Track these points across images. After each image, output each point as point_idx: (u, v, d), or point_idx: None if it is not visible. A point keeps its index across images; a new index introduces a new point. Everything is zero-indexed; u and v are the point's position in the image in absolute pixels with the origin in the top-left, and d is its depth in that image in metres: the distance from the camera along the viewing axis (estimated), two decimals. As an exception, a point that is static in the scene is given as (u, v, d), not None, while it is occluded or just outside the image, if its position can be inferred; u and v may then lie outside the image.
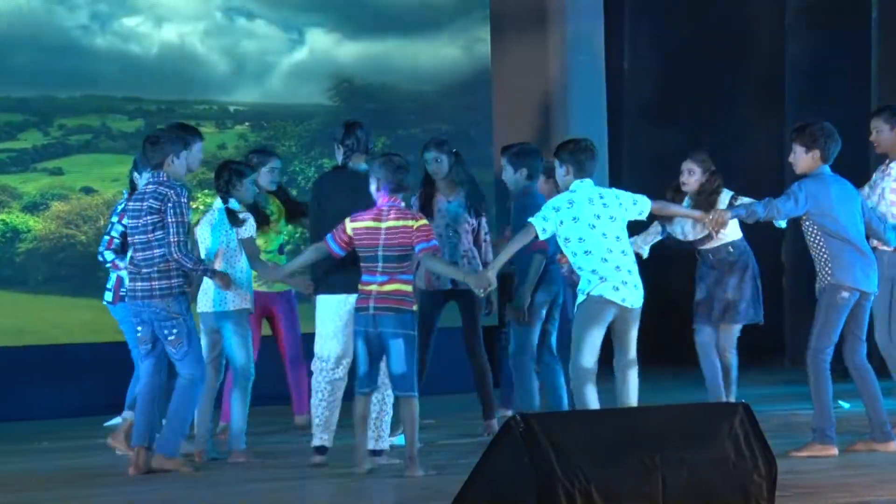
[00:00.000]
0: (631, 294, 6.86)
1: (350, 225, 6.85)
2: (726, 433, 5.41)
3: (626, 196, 6.97)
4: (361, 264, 6.87)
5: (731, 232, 8.25)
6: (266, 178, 8.47)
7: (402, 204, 6.90)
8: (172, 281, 7.05)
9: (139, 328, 7.18)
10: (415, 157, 10.63)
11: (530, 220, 6.86)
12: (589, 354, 6.80)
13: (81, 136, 10.03)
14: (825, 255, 7.15)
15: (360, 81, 10.63)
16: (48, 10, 10.04)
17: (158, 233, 7.03)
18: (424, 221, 6.87)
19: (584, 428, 5.31)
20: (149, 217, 7.04)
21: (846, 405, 8.93)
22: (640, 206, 6.98)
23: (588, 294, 6.83)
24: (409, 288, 6.82)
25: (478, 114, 10.90)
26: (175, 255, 7.00)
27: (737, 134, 11.86)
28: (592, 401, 6.79)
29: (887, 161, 7.90)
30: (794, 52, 11.53)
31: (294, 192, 10.33)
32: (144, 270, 7.09)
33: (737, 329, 8.36)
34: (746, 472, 5.40)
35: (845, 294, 7.11)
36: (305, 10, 10.60)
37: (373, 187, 6.88)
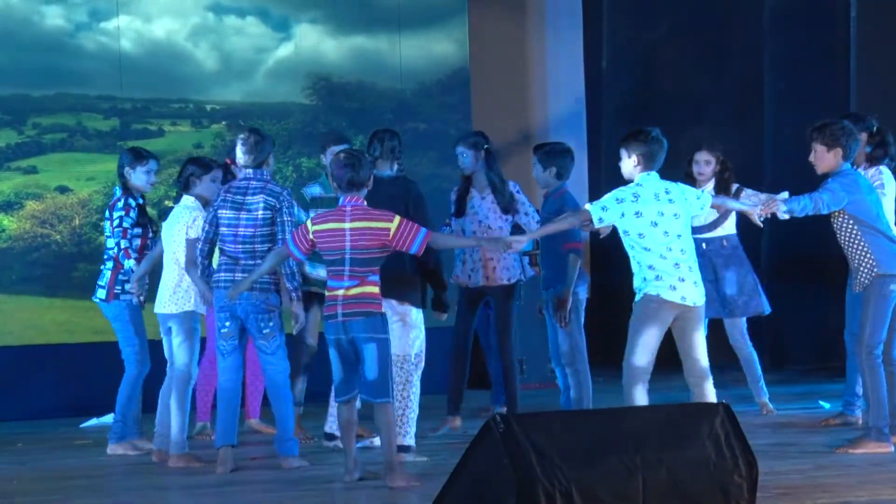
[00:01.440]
0: (690, 291, 6.61)
1: (312, 227, 6.66)
2: (707, 433, 5.39)
3: (690, 191, 6.79)
4: (327, 268, 6.71)
5: (728, 225, 8.36)
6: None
7: (365, 203, 6.67)
8: (273, 276, 7.09)
9: (227, 323, 7.17)
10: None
11: (588, 205, 6.70)
12: (642, 353, 6.59)
13: (56, 135, 9.96)
14: (864, 248, 7.07)
15: (337, 80, 10.59)
16: (22, 8, 9.96)
17: (266, 229, 7.13)
18: (399, 218, 6.60)
19: (564, 428, 5.26)
20: (261, 213, 7.13)
21: (826, 405, 8.93)
22: (702, 200, 6.82)
23: (645, 293, 6.63)
24: (376, 290, 6.60)
25: (456, 113, 10.87)
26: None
27: (715, 133, 11.83)
28: (641, 402, 6.60)
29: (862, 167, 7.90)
30: (772, 51, 11.53)
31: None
32: (244, 263, 7.13)
33: (742, 322, 8.52)
34: (727, 473, 5.36)
35: (894, 287, 7.05)
36: (283, 8, 10.55)
37: (333, 185, 6.78)
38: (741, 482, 5.38)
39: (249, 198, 7.16)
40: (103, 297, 7.89)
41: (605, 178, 11.79)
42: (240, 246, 7.16)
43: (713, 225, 8.47)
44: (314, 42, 10.60)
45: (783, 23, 11.46)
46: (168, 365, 7.61)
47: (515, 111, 11.38)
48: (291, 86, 10.49)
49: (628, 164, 6.71)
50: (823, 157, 7.15)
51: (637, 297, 6.67)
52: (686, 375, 6.76)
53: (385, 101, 10.68)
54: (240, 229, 7.14)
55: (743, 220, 8.12)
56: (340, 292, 6.56)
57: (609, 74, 12.11)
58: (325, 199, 8.19)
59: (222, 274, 7.17)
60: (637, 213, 6.58)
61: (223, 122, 10.33)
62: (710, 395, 6.69)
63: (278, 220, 7.13)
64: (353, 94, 10.60)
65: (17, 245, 9.94)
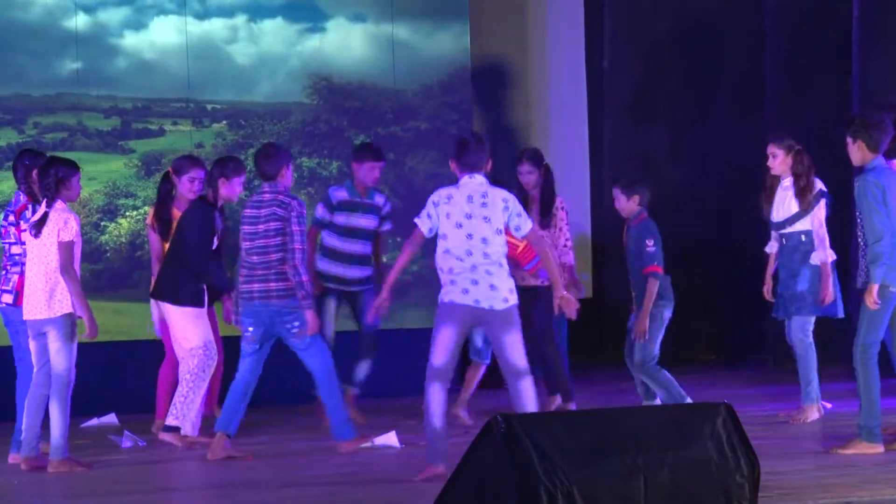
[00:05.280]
0: (486, 295, 6.57)
1: None
2: (708, 434, 5.37)
3: (515, 204, 6.68)
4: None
5: (808, 222, 8.21)
6: (186, 187, 8.50)
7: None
8: (290, 282, 7.46)
9: (251, 328, 7.57)
10: (395, 157, 10.57)
11: (415, 219, 6.75)
12: (438, 353, 6.63)
13: (56, 135, 9.88)
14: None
15: (338, 79, 10.52)
16: (20, 6, 9.91)
17: (279, 238, 7.49)
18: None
19: (565, 429, 5.24)
20: (272, 223, 7.51)
21: (828, 405, 8.89)
22: (520, 222, 6.68)
23: (441, 300, 6.67)
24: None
25: (457, 112, 10.81)
26: (296, 262, 7.44)
27: (717, 132, 11.80)
28: (433, 400, 6.62)
29: None
30: (773, 50, 11.48)
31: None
32: (260, 272, 7.53)
33: (801, 321, 8.32)
34: (728, 474, 5.35)
35: (892, 290, 6.99)
36: (282, 9, 10.49)
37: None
38: (743, 482, 5.35)
39: (263, 210, 7.52)
40: (10, 301, 7.75)
41: (608, 177, 11.75)
42: (255, 257, 7.53)
43: (785, 223, 8.26)
44: (315, 42, 10.54)
45: (784, 22, 11.41)
46: (35, 371, 7.44)
47: (516, 111, 11.32)
48: (292, 85, 10.43)
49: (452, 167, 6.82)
50: (850, 150, 7.04)
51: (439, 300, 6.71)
52: (503, 374, 6.77)
53: (385, 101, 10.60)
54: (255, 241, 7.52)
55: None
56: None
57: (610, 74, 12.07)
58: (351, 203, 8.73)
59: (243, 285, 7.57)
60: (448, 215, 6.63)
61: (224, 122, 10.27)
62: (526, 393, 6.64)
63: (290, 228, 7.45)
64: (353, 94, 10.53)
65: (18, 245, 9.88)
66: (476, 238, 6.59)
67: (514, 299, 6.64)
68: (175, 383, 8.23)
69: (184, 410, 7.93)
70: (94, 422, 9.15)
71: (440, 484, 5.39)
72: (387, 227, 8.94)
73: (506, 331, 6.62)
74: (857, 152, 7.04)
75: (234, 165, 8.22)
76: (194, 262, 8.07)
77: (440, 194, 6.69)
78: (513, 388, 6.67)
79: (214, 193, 8.11)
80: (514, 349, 6.64)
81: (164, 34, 10.16)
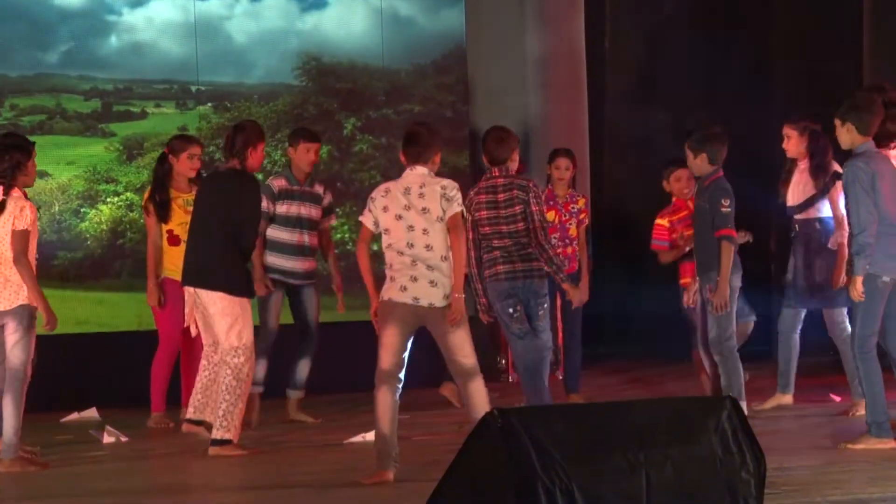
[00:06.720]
0: (425, 291, 6.40)
1: None
2: (713, 429, 5.23)
3: (451, 190, 6.48)
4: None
5: (826, 207, 8.02)
6: (186, 165, 8.36)
7: None
8: (536, 262, 7.57)
9: (518, 307, 7.53)
10: (386, 141, 10.41)
11: (360, 217, 6.61)
12: (384, 355, 6.45)
13: (34, 117, 9.74)
14: None
15: (328, 60, 10.37)
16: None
17: (522, 221, 7.60)
18: None
19: (565, 423, 5.10)
20: (516, 207, 7.56)
21: (837, 398, 8.76)
22: (447, 205, 6.44)
23: (381, 298, 6.49)
24: None
25: (453, 94, 10.65)
26: (541, 240, 7.58)
27: (723, 114, 11.63)
28: (380, 404, 6.45)
29: None
30: (780, 29, 11.35)
31: (259, 176, 10.06)
32: (512, 252, 7.57)
33: (832, 314, 8.14)
34: (734, 470, 5.22)
35: (885, 279, 6.85)
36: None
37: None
38: (749, 479, 5.23)
39: (502, 194, 7.57)
40: None
41: (609, 161, 11.60)
42: (500, 240, 7.62)
43: (799, 207, 8.06)
44: (304, 21, 10.37)
45: (792, 0, 11.28)
46: None
47: (514, 92, 11.16)
48: (280, 66, 10.28)
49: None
50: (838, 133, 6.92)
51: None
52: (453, 376, 6.60)
53: (378, 82, 10.47)
54: (500, 225, 7.56)
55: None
56: None
57: (612, 55, 11.92)
58: (290, 191, 8.52)
59: (490, 268, 7.55)
60: (385, 208, 6.49)
61: (209, 104, 10.12)
62: (478, 395, 6.46)
63: (528, 210, 7.53)
64: (344, 75, 10.38)
65: (-5, 231, 9.68)
66: (417, 230, 6.44)
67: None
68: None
69: (235, 421, 7.35)
70: (74, 416, 9.03)
71: (433, 483, 5.19)
72: (331, 219, 8.81)
73: (452, 328, 6.44)
74: (846, 135, 6.94)
75: (259, 131, 7.70)
76: (251, 242, 7.56)
77: (378, 189, 6.60)
78: (465, 390, 6.49)
79: (242, 163, 7.53)
80: (461, 348, 6.46)
81: (146, 14, 9.97)
